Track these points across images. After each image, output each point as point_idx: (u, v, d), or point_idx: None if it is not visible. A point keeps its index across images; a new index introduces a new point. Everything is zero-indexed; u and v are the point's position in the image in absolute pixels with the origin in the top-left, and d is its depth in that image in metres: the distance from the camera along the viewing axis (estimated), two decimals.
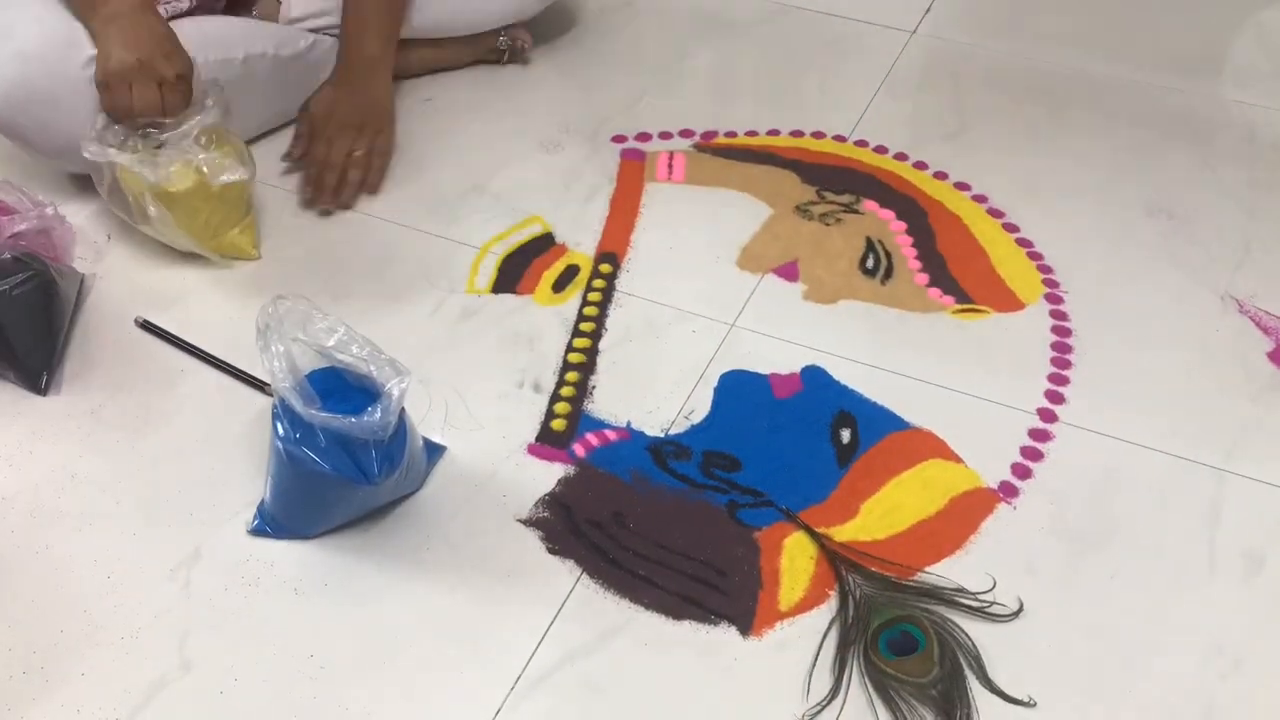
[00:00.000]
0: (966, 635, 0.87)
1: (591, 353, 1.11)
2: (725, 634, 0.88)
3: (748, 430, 1.04)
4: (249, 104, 1.27)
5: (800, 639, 0.87)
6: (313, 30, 1.35)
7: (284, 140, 1.35)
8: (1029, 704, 0.83)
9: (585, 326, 1.14)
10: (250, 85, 1.28)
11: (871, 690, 0.84)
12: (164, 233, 1.16)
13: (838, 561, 0.92)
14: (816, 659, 0.86)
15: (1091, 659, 0.87)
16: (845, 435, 1.03)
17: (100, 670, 0.85)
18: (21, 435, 1.02)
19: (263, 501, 0.95)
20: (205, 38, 1.22)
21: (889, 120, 1.44)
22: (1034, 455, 1.02)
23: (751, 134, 1.42)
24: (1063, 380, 1.09)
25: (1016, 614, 0.89)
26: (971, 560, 0.93)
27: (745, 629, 0.88)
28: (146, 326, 1.12)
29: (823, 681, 0.85)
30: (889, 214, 1.29)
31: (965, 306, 1.17)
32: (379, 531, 0.94)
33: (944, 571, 0.92)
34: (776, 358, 1.11)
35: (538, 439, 1.03)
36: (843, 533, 0.95)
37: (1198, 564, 0.93)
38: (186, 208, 1.14)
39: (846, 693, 0.84)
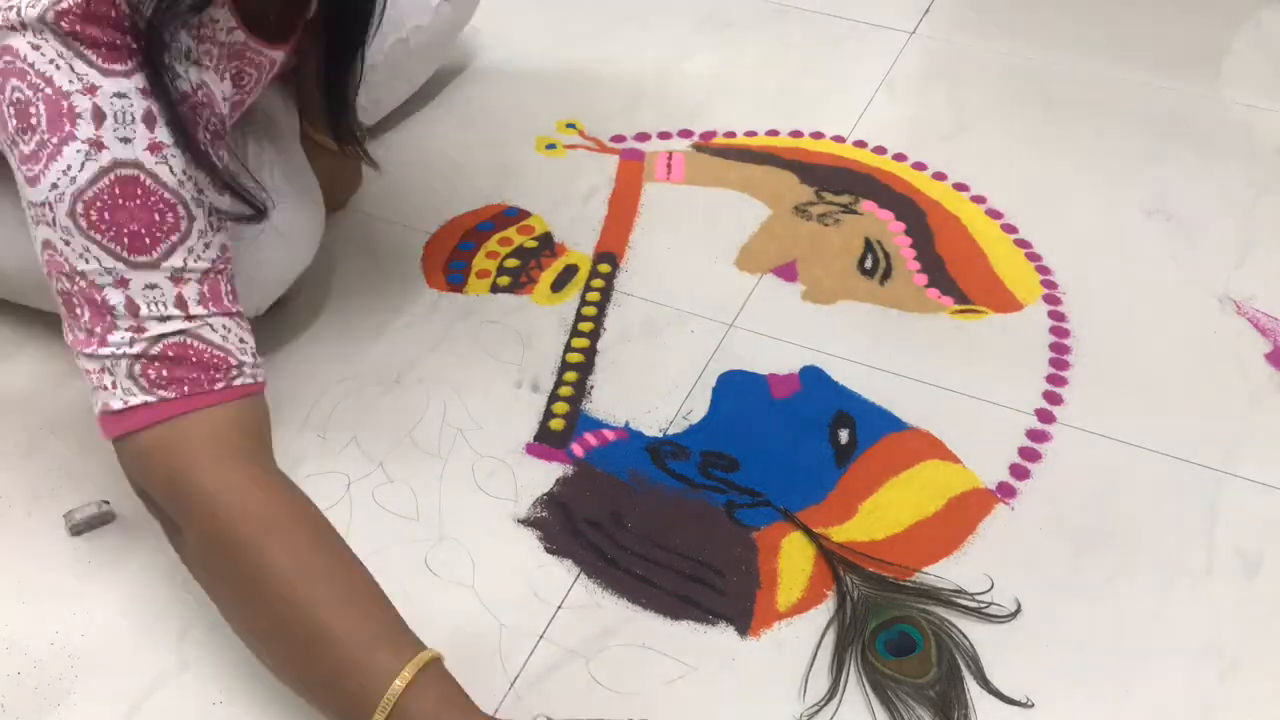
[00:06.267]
0: (964, 636, 0.87)
1: (590, 352, 1.11)
2: (723, 634, 0.88)
3: (746, 430, 1.04)
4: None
5: (798, 639, 0.87)
6: None
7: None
8: (1026, 705, 0.83)
9: (584, 326, 1.14)
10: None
11: (869, 691, 0.84)
12: None
13: (835, 562, 0.92)
14: (814, 659, 0.86)
15: (1089, 660, 0.87)
16: (843, 436, 1.03)
17: (97, 670, 0.85)
18: (21, 433, 1.02)
19: None
20: None
21: (888, 120, 1.44)
22: (1032, 456, 1.02)
23: (750, 134, 1.42)
24: (1061, 381, 1.09)
25: (1014, 615, 0.89)
26: (969, 561, 0.93)
27: (743, 629, 0.88)
28: None
29: (820, 682, 0.85)
30: (888, 214, 1.29)
31: (964, 307, 1.17)
32: (376, 531, 0.94)
33: (942, 572, 0.92)
34: (775, 358, 1.11)
35: (536, 439, 1.03)
36: (841, 533, 0.95)
37: (1196, 565, 0.93)
38: None
39: (844, 693, 0.84)
